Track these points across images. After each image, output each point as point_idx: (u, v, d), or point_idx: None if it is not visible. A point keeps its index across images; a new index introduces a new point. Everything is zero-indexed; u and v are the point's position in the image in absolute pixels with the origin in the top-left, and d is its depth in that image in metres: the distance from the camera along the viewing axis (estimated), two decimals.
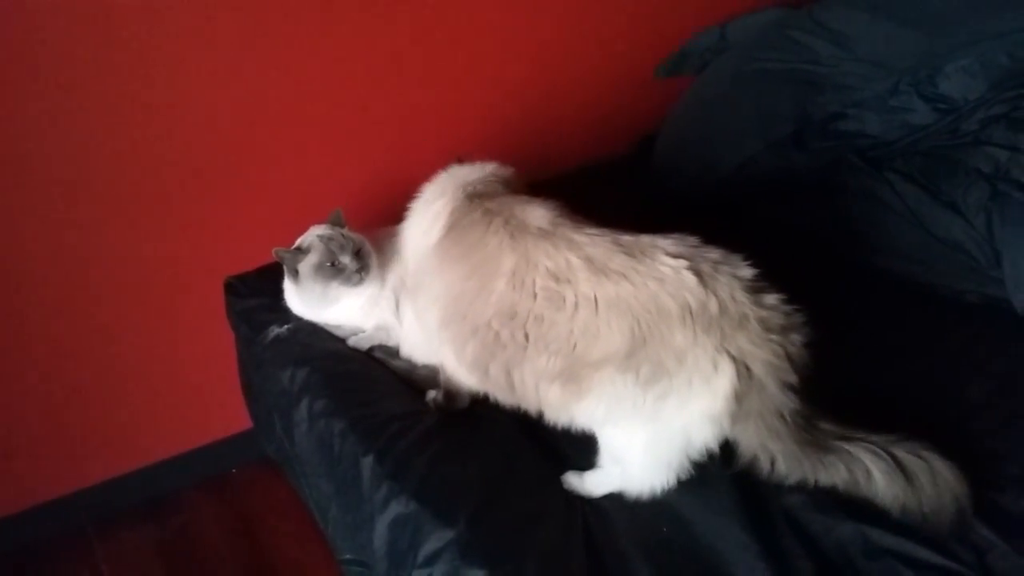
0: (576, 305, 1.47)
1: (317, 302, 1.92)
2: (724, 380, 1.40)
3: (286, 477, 2.11)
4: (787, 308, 1.46)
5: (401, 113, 2.57)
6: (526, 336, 1.51)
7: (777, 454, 1.43)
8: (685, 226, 2.27)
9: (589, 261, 1.49)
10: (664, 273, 1.43)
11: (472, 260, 1.61)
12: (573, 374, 1.47)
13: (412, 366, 1.90)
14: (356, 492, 1.63)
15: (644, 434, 1.47)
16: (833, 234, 2.21)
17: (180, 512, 2.61)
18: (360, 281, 1.89)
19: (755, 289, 1.46)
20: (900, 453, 1.42)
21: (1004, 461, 1.57)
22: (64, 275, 2.26)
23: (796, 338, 1.45)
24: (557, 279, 1.50)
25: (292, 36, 2.31)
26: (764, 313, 1.43)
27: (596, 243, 1.51)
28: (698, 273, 1.43)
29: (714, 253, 1.49)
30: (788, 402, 1.42)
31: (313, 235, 1.91)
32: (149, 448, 2.60)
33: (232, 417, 2.62)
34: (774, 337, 1.42)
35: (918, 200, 2.07)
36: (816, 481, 1.43)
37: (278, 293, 2.04)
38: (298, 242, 1.92)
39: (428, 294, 1.69)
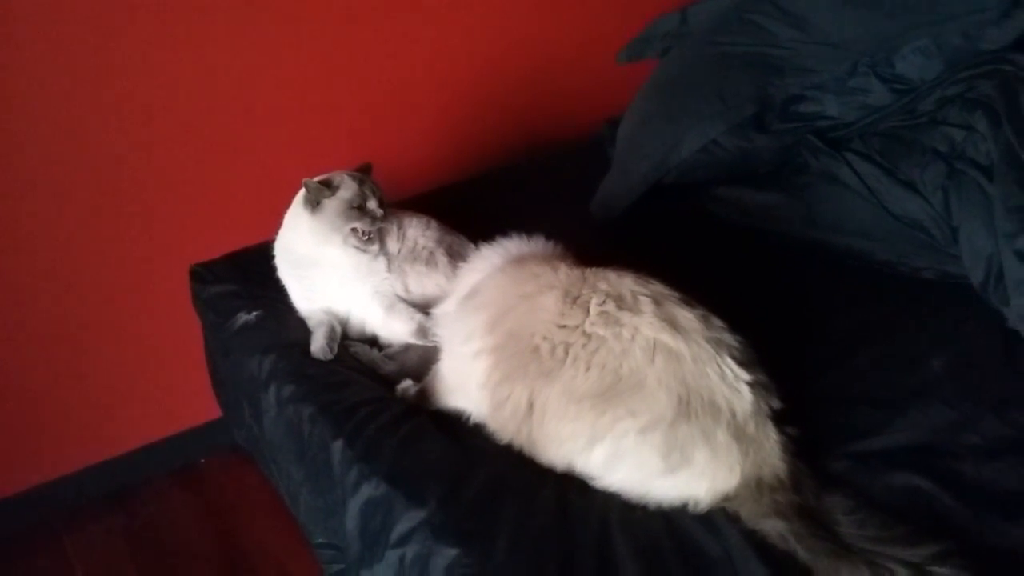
0: (632, 339, 1.49)
1: (324, 240, 1.86)
2: (727, 484, 1.44)
3: (256, 465, 2.10)
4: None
5: (368, 101, 2.59)
6: (567, 350, 1.51)
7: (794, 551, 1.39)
8: (646, 208, 2.32)
9: (656, 304, 1.52)
10: (725, 373, 1.47)
11: (529, 270, 1.65)
12: (605, 399, 1.46)
13: (382, 360, 1.89)
14: (327, 476, 1.63)
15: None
16: (793, 214, 2.24)
17: (149, 502, 2.59)
18: (376, 233, 1.89)
19: (780, 421, 1.50)
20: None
21: (964, 430, 1.61)
22: (27, 266, 2.24)
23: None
24: (619, 304, 1.52)
25: (260, 28, 2.31)
26: (784, 439, 1.48)
27: (666, 294, 1.55)
28: (754, 394, 1.47)
29: (765, 379, 1.52)
30: (781, 523, 1.39)
31: (343, 174, 1.89)
32: (117, 439, 2.59)
33: (200, 407, 2.62)
34: (787, 458, 1.47)
35: (877, 179, 2.10)
36: None
37: (245, 280, 2.04)
38: (325, 177, 1.88)
39: (480, 298, 1.67)
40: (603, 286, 1.57)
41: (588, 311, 1.53)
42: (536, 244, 1.78)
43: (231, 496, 2.60)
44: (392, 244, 1.95)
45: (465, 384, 1.63)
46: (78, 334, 2.40)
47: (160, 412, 2.63)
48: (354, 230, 1.86)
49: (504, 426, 1.57)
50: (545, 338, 1.53)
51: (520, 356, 1.54)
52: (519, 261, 1.71)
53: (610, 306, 1.53)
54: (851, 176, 2.14)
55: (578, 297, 1.56)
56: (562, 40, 2.90)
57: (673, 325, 1.49)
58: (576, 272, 1.62)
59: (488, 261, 1.77)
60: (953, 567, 1.29)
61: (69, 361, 2.42)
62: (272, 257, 1.99)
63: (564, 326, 1.53)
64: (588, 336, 1.51)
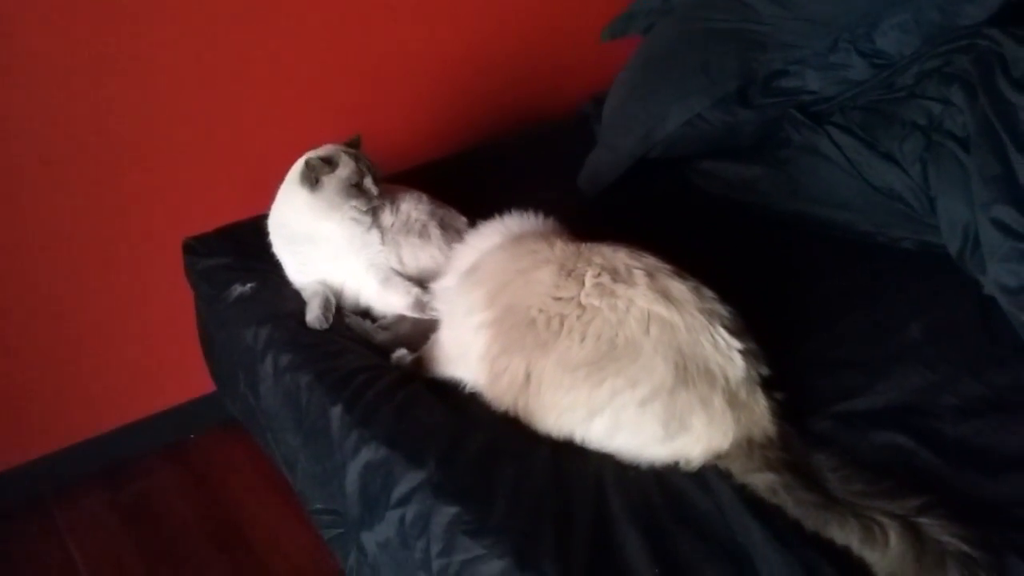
0: (627, 310, 1.52)
1: (322, 216, 1.88)
2: (720, 447, 1.49)
3: (251, 437, 2.12)
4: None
5: (355, 80, 2.62)
6: (562, 321, 1.55)
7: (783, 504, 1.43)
8: (632, 182, 2.36)
9: (650, 276, 1.55)
10: (718, 342, 1.52)
11: (526, 246, 1.68)
12: (600, 368, 1.50)
13: (375, 330, 1.92)
14: (325, 442, 1.66)
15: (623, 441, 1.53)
16: (776, 186, 2.29)
17: (140, 478, 2.61)
18: (372, 211, 1.92)
19: (768, 386, 1.56)
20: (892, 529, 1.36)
21: (943, 391, 1.67)
22: (17, 241, 2.26)
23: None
24: (613, 277, 1.56)
25: (251, 3, 2.33)
26: (772, 404, 1.54)
27: (659, 267, 1.59)
28: (746, 361, 1.52)
29: (755, 347, 1.57)
30: (771, 476, 1.44)
31: (339, 150, 1.90)
32: (106, 415, 2.61)
33: (189, 383, 2.66)
34: (776, 421, 1.52)
35: (857, 152, 2.15)
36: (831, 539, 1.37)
37: (238, 253, 2.06)
38: (322, 153, 1.89)
39: (480, 273, 1.70)
40: (598, 260, 1.60)
41: (583, 283, 1.57)
42: (534, 220, 1.81)
43: (221, 471, 2.63)
44: (386, 217, 1.97)
45: (466, 355, 1.66)
46: (67, 311, 2.41)
47: (150, 388, 2.65)
48: (353, 207, 1.89)
49: (501, 396, 1.61)
50: (541, 310, 1.56)
51: (517, 328, 1.57)
52: (518, 238, 1.74)
53: (605, 279, 1.56)
54: (832, 149, 2.19)
55: (573, 270, 1.59)
56: (547, 18, 2.93)
57: (667, 297, 1.53)
58: (572, 247, 1.65)
59: (487, 239, 1.79)
60: (936, 517, 1.35)
61: (59, 337, 2.43)
62: (265, 232, 2.01)
63: (559, 298, 1.56)
64: (583, 307, 1.54)
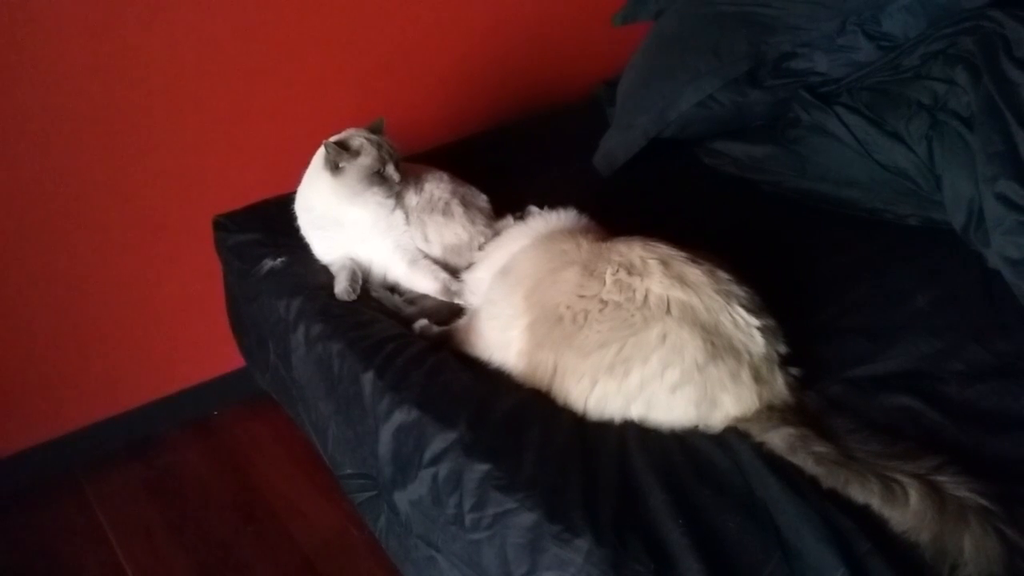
0: (645, 299, 1.59)
1: (346, 201, 1.92)
2: (742, 415, 1.56)
3: (273, 413, 2.15)
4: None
5: (379, 58, 2.67)
6: (586, 316, 1.62)
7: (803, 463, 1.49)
8: (645, 161, 2.42)
9: (664, 264, 1.63)
10: (738, 320, 1.59)
11: (557, 247, 1.76)
12: (624, 360, 1.57)
13: (403, 304, 1.97)
14: (358, 407, 1.72)
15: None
16: (785, 165, 2.36)
17: (166, 453, 2.67)
18: (395, 198, 1.96)
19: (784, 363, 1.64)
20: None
21: (949, 358, 1.74)
22: (45, 217, 2.30)
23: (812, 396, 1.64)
24: (630, 271, 1.63)
25: None
26: (790, 380, 1.62)
27: (673, 254, 1.66)
28: (765, 338, 1.59)
29: (773, 324, 1.64)
30: (790, 430, 1.51)
31: (361, 137, 1.93)
32: (131, 392, 2.66)
33: (212, 361, 2.72)
34: (793, 394, 1.60)
35: (865, 131, 2.22)
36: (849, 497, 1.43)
37: (268, 229, 2.11)
38: (342, 138, 1.93)
39: (515, 274, 1.78)
40: (616, 257, 1.67)
41: (604, 282, 1.64)
42: (561, 218, 1.90)
43: (245, 446, 2.69)
44: (410, 197, 2.01)
45: (506, 347, 1.74)
46: (93, 289, 2.46)
47: (173, 366, 2.70)
48: (375, 193, 1.93)
49: (537, 386, 1.68)
50: (568, 307, 1.64)
51: (548, 324, 1.65)
52: (550, 236, 1.83)
53: (622, 274, 1.64)
54: (840, 128, 2.25)
55: (595, 270, 1.67)
56: (560, 4, 2.98)
57: (682, 281, 1.60)
58: (595, 247, 1.73)
59: (517, 241, 1.88)
60: (953, 474, 1.41)
61: (86, 315, 2.48)
62: (292, 210, 2.05)
63: (583, 296, 1.64)
64: (604, 303, 1.62)
